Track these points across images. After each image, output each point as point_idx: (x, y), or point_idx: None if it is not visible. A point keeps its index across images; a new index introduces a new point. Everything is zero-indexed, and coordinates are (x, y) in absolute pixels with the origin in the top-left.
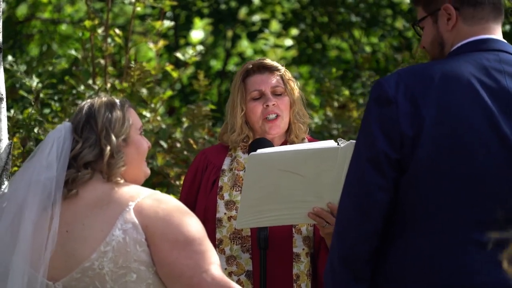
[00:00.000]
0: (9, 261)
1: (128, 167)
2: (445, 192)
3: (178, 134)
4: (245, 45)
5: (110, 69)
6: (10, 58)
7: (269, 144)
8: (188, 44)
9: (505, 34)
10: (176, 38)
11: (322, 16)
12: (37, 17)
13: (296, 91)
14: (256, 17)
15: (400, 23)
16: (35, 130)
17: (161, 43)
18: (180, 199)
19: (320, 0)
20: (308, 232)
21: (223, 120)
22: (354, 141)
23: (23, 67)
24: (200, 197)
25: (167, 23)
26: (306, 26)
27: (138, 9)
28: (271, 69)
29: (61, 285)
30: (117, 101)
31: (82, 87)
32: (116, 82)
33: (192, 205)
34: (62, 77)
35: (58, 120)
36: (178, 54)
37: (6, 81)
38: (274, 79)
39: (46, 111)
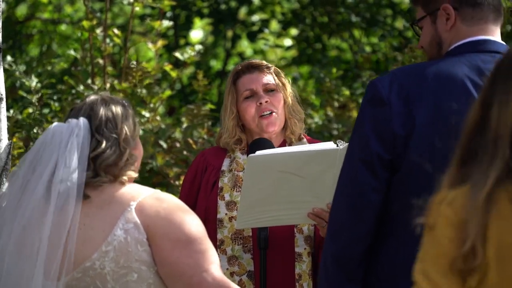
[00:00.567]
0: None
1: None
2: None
3: (177, 134)
4: (245, 45)
5: (109, 69)
6: (9, 58)
7: (269, 143)
8: (188, 44)
9: (505, 34)
10: (176, 38)
11: (322, 16)
12: (36, 17)
13: (288, 87)
14: (256, 17)
15: (400, 23)
16: (35, 130)
17: (161, 43)
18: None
19: (320, 0)
20: (309, 232)
21: (220, 123)
22: None
23: (22, 67)
24: (200, 198)
25: (166, 23)
26: (306, 26)
27: (137, 9)
28: (260, 68)
29: (62, 285)
30: (125, 101)
31: (81, 87)
32: (115, 82)
33: (192, 207)
34: (62, 77)
35: (57, 120)
36: (177, 54)
37: (5, 81)
38: (265, 77)
39: (46, 111)
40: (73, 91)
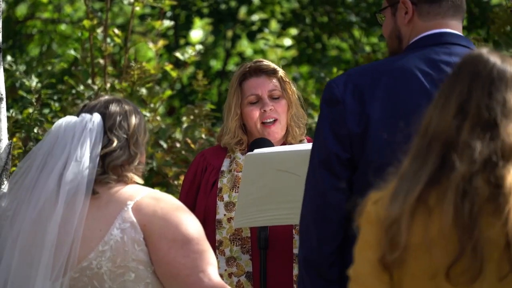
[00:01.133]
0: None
1: None
2: None
3: (177, 134)
4: (245, 45)
5: (109, 69)
6: (9, 58)
7: (269, 143)
8: (188, 44)
9: (506, 35)
10: (176, 38)
11: (322, 16)
12: (36, 17)
13: (294, 93)
14: (256, 17)
15: None
16: (35, 130)
17: (161, 43)
18: (179, 201)
19: (319, 0)
20: None
21: (222, 120)
22: None
23: (22, 67)
24: (200, 198)
25: (167, 23)
26: (305, 26)
27: (137, 9)
28: (268, 72)
29: (59, 285)
30: (137, 108)
31: (81, 87)
32: (116, 82)
33: (191, 207)
34: (62, 77)
35: (57, 120)
36: (178, 54)
37: (5, 81)
38: (271, 83)
39: (46, 111)
40: (73, 91)
